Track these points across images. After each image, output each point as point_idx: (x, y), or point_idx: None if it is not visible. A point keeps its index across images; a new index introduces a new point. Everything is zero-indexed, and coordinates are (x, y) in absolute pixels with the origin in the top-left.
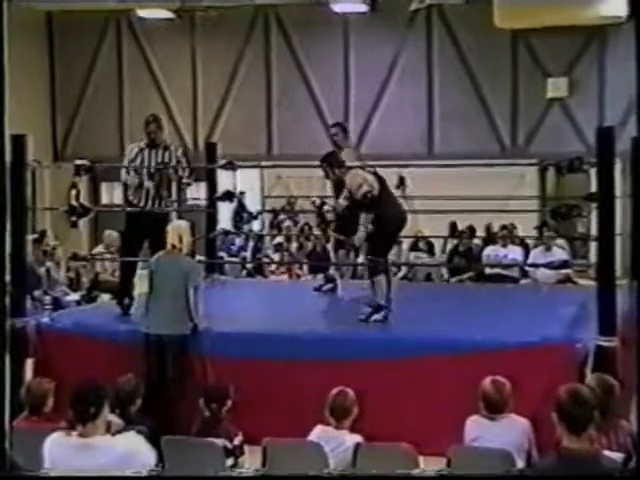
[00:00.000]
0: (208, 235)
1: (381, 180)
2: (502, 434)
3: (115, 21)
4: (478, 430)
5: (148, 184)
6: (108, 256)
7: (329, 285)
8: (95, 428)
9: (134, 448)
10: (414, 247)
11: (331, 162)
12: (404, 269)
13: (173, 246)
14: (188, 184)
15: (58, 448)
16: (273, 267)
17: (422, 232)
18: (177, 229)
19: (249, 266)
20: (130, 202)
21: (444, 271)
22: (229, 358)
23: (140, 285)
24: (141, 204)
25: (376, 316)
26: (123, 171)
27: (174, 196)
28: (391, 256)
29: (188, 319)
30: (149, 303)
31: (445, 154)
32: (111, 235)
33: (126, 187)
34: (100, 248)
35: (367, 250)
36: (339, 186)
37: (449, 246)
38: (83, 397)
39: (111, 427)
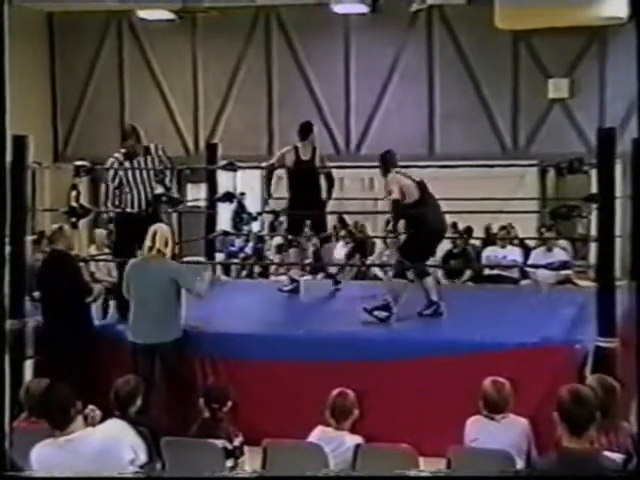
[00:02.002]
0: (208, 236)
1: (422, 187)
2: (502, 434)
3: (116, 22)
4: (479, 430)
5: (135, 190)
6: (105, 257)
7: (291, 286)
8: (76, 425)
9: (115, 434)
10: None
11: (384, 162)
12: None
13: (158, 251)
14: (169, 188)
15: (48, 453)
16: (273, 268)
17: None
18: (164, 234)
19: (254, 268)
20: (117, 206)
21: (440, 275)
22: (229, 359)
23: None
24: (128, 209)
25: (378, 312)
26: (103, 188)
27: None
28: (384, 257)
29: (180, 322)
30: (133, 311)
31: (446, 155)
32: (101, 234)
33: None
34: (93, 248)
35: (400, 252)
36: None
37: (448, 247)
38: (58, 405)
39: (94, 419)
